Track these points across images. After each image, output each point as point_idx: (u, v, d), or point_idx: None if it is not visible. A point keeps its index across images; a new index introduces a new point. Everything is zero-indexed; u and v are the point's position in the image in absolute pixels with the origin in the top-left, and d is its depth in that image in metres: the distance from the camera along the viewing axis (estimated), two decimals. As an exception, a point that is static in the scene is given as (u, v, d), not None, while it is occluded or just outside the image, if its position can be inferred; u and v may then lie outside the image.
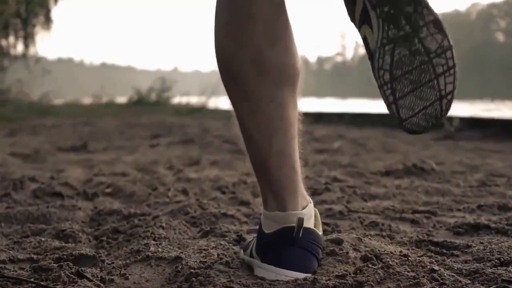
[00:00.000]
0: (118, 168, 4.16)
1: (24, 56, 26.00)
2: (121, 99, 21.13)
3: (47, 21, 27.14)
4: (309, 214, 1.72)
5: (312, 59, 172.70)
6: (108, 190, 3.00)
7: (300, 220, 1.67)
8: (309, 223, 1.71)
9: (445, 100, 1.63)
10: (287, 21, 1.71)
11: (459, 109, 17.14)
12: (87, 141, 6.38)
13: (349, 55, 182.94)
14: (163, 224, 2.14)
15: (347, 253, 1.75)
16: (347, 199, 2.72)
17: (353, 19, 1.72)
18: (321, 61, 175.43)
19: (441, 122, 8.66)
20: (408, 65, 1.62)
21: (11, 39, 26.51)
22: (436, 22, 1.63)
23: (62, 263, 1.65)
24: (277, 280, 1.62)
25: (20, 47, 26.51)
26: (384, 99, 1.64)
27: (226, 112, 13.32)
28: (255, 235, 1.86)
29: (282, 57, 1.70)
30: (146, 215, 2.41)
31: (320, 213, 2.30)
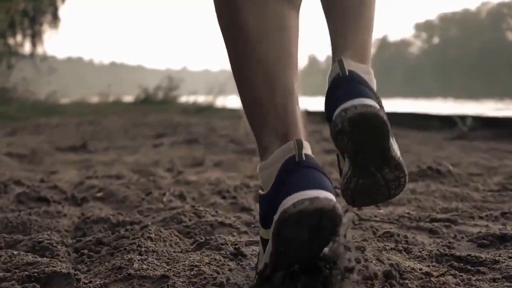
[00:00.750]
0: (115, 169, 3.94)
1: (32, 55, 25.91)
2: (129, 98, 20.97)
3: (55, 20, 27.01)
4: (309, 148, 1.60)
5: (322, 58, 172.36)
6: (99, 194, 2.77)
7: (299, 142, 1.54)
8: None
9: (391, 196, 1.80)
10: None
11: (469, 108, 16.87)
12: (87, 141, 6.15)
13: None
14: (152, 235, 1.90)
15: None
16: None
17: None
18: (330, 60, 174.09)
19: (454, 121, 8.43)
20: (369, 188, 1.73)
21: (19, 37, 26.47)
22: (398, 165, 1.73)
23: (27, 284, 1.42)
24: None
25: (27, 46, 26.47)
26: (344, 193, 1.77)
27: (233, 111, 13.16)
28: (254, 247, 1.74)
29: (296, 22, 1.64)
30: (135, 223, 2.17)
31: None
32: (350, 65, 1.71)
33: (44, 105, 16.23)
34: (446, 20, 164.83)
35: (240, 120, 10.43)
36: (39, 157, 4.96)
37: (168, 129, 8.69)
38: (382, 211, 2.39)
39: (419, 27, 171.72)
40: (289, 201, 1.37)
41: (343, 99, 1.62)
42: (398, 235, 2.01)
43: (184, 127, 8.99)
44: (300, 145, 1.53)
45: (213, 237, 1.93)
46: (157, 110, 15.20)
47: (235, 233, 2.05)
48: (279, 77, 1.60)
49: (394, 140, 1.77)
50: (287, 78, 1.61)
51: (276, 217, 1.39)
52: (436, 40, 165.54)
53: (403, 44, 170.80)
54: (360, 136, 1.62)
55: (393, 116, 9.95)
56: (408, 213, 2.34)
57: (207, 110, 14.79)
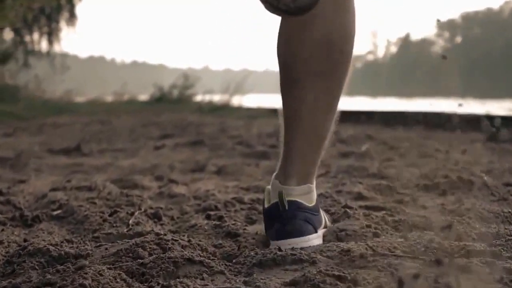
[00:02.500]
0: (96, 176, 3.46)
1: (48, 53, 25.57)
2: (145, 97, 20.55)
3: (72, 17, 26.66)
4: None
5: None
6: (57, 212, 2.26)
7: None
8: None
9: None
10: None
11: (494, 108, 16.27)
12: (83, 143, 5.65)
13: (380, 53, 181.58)
14: (88, 281, 1.38)
15: None
16: (372, 231, 1.93)
17: None
18: (357, 59, 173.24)
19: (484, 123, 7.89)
20: None
21: (36, 35, 26.13)
22: None
23: None
24: None
25: (44, 44, 26.13)
26: None
27: (249, 110, 12.63)
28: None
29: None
30: (79, 257, 1.65)
31: (333, 257, 1.59)
32: (293, 195, 1.87)
33: (56, 104, 15.81)
34: (469, 19, 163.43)
35: (254, 120, 9.96)
36: (23, 161, 4.48)
37: (177, 129, 8.20)
38: (403, 239, 1.86)
39: (442, 26, 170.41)
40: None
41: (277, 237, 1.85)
42: (426, 278, 1.49)
43: (194, 127, 8.49)
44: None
45: (173, 282, 1.41)
46: (171, 109, 14.72)
47: (205, 275, 1.52)
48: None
49: None
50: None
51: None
52: (458, 39, 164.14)
53: (426, 43, 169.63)
54: None
55: (416, 115, 9.44)
56: (439, 244, 1.80)
57: (223, 109, 14.30)
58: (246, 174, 3.94)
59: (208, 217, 2.17)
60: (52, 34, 26.17)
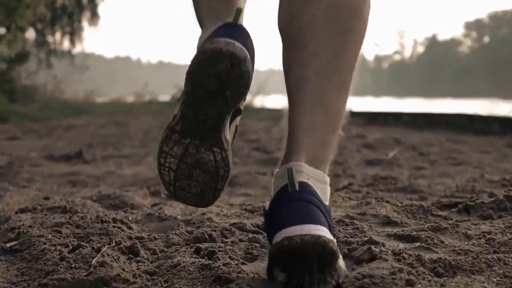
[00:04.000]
0: (84, 192, 3.02)
1: (70, 52, 25.34)
2: (166, 97, 20.21)
3: (94, 17, 26.40)
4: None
5: (370, 57, 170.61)
6: (11, 244, 1.82)
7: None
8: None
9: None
10: None
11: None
12: (84, 148, 5.23)
13: (407, 53, 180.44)
14: None
15: None
16: (405, 277, 1.45)
17: None
18: (379, 59, 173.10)
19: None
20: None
21: (58, 35, 25.90)
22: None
23: None
24: None
25: (66, 44, 25.90)
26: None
27: (272, 111, 12.16)
28: None
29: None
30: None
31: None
32: (303, 173, 1.53)
33: (75, 105, 15.48)
34: (497, 18, 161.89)
35: (277, 123, 9.46)
36: (14, 170, 4.06)
37: (193, 132, 7.76)
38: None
39: (469, 26, 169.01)
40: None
41: (287, 223, 1.40)
42: None
43: (211, 130, 8.06)
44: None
45: None
46: (192, 110, 14.32)
47: None
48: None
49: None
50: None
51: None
52: (486, 39, 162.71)
53: (453, 43, 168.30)
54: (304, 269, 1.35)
55: (446, 117, 8.94)
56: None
57: (244, 110, 13.83)
58: (258, 186, 3.51)
59: (197, 251, 1.72)
60: (74, 34, 25.95)
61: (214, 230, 1.94)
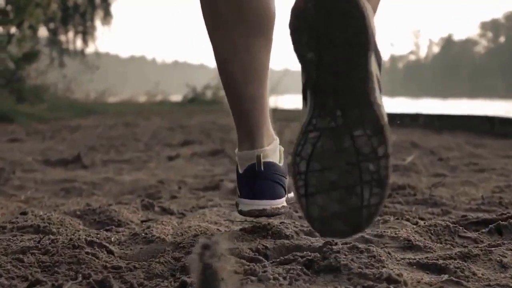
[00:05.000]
0: (70, 204, 2.73)
1: (82, 52, 25.17)
2: (178, 97, 19.99)
3: (107, 16, 26.22)
4: (273, 149, 1.98)
5: (385, 57, 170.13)
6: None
7: (258, 157, 1.92)
8: (273, 158, 1.97)
9: (367, 211, 1.44)
10: None
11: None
12: (83, 152, 4.95)
13: (422, 53, 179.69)
14: None
15: None
16: None
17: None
18: (394, 59, 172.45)
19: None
20: (330, 161, 1.45)
21: (70, 34, 25.73)
22: (377, 125, 1.46)
23: None
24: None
25: (79, 43, 25.72)
26: (294, 188, 1.51)
27: (285, 112, 11.82)
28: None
29: (262, 6, 1.84)
30: None
31: None
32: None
33: (85, 105, 15.23)
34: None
35: (289, 124, 9.19)
36: (4, 177, 3.79)
37: (202, 134, 7.47)
38: None
39: (485, 26, 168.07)
40: (246, 207, 1.92)
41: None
42: None
43: (222, 132, 7.76)
44: (259, 160, 1.92)
45: None
46: (203, 110, 14.05)
47: None
48: (245, 89, 1.92)
49: (376, 69, 1.49)
50: (252, 89, 1.93)
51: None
52: (502, 39, 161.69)
53: (469, 43, 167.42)
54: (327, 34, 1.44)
55: (464, 119, 8.63)
56: None
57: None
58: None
59: (183, 285, 1.43)
60: (86, 33, 25.77)
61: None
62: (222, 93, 17.28)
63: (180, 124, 9.67)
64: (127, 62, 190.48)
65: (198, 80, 20.07)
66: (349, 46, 1.44)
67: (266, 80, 1.98)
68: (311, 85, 1.48)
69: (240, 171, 1.96)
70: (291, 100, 15.85)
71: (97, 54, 26.97)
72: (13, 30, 13.39)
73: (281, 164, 1.98)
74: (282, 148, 2.04)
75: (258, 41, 1.88)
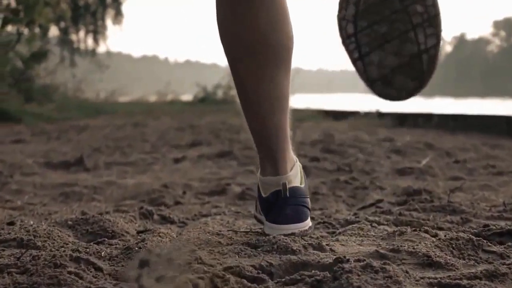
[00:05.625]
0: (63, 213, 2.56)
1: (93, 51, 25.06)
2: (189, 97, 19.81)
3: (118, 15, 26.09)
4: (295, 173, 1.98)
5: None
6: None
7: (284, 185, 1.92)
8: (296, 181, 1.97)
9: (426, 55, 1.45)
10: (285, 2, 1.82)
11: None
12: (85, 154, 4.78)
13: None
14: None
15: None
16: None
17: None
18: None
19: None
20: (376, 15, 1.45)
21: (81, 33, 25.62)
22: None
23: None
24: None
25: (90, 42, 25.62)
26: (348, 55, 1.55)
27: (298, 111, 11.61)
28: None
29: (283, 41, 1.84)
30: None
31: None
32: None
33: (95, 105, 15.09)
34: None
35: (300, 124, 9.00)
36: (1, 181, 3.64)
37: (211, 135, 7.30)
38: None
39: (498, 25, 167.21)
40: (275, 232, 1.90)
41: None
42: None
43: (231, 132, 7.58)
44: (285, 187, 1.92)
45: None
46: (214, 110, 13.87)
47: None
48: (270, 119, 1.93)
49: None
50: (277, 118, 1.94)
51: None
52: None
53: (481, 42, 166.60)
54: None
55: (480, 119, 8.42)
56: None
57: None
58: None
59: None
60: (97, 32, 25.65)
61: (202, 277, 1.47)
62: (233, 92, 17.15)
63: (189, 124, 9.50)
64: (139, 61, 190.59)
65: (210, 79, 19.90)
66: None
67: (288, 106, 1.97)
68: None
69: (263, 195, 1.97)
70: (302, 100, 15.64)
71: (108, 53, 26.90)
72: (24, 29, 13.28)
73: (303, 186, 1.99)
74: (300, 165, 2.03)
75: (281, 70, 1.88)
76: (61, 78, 16.57)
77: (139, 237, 2.01)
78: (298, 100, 15.37)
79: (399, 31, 1.41)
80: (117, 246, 1.90)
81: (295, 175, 1.96)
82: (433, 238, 1.92)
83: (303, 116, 10.63)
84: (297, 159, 2.03)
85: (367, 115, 10.67)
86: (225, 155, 5.07)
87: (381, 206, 2.84)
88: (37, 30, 14.04)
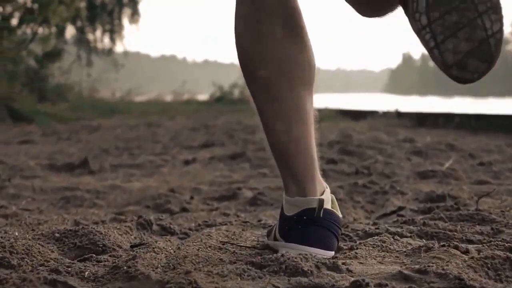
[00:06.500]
0: (52, 222, 2.35)
1: (110, 51, 24.91)
2: (205, 96, 19.62)
3: (134, 15, 25.92)
4: (327, 199, 1.83)
5: (416, 56, 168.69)
6: None
7: (321, 201, 1.79)
8: (327, 206, 1.81)
9: (493, 39, 1.56)
10: (301, 15, 1.80)
11: None
12: (90, 156, 4.57)
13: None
14: None
15: None
16: None
17: None
18: (425, 57, 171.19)
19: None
20: (446, 5, 1.55)
21: (98, 33, 25.47)
22: None
23: None
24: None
25: (106, 42, 25.48)
26: (424, 45, 1.60)
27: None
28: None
29: (302, 55, 1.80)
30: None
31: None
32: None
33: (110, 104, 14.91)
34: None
35: (317, 124, 8.72)
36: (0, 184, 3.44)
37: (224, 136, 7.07)
38: None
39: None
40: (295, 252, 1.68)
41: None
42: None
43: (245, 133, 7.35)
44: (320, 205, 1.79)
45: None
46: (230, 110, 13.66)
47: None
48: (295, 149, 1.82)
49: None
50: (302, 143, 1.83)
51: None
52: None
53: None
54: None
55: (502, 119, 8.16)
56: None
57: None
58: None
59: None
60: (114, 32, 25.49)
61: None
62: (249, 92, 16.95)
63: (204, 124, 9.29)
64: (157, 61, 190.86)
65: (227, 78, 19.71)
66: None
67: (311, 121, 1.87)
68: None
69: (288, 214, 1.83)
70: (320, 99, 15.40)
71: (125, 53, 26.76)
72: (38, 28, 13.14)
73: (340, 215, 1.87)
74: (334, 197, 1.89)
75: (305, 93, 1.83)
76: (76, 77, 16.41)
77: (131, 252, 1.77)
78: (316, 100, 15.15)
79: (468, 19, 1.53)
80: (106, 263, 1.68)
81: (326, 201, 1.82)
82: (464, 256, 1.68)
83: (320, 116, 10.33)
84: (328, 186, 1.89)
85: (386, 114, 10.42)
86: (238, 156, 4.85)
87: (403, 214, 2.62)
88: (53, 29, 13.88)
